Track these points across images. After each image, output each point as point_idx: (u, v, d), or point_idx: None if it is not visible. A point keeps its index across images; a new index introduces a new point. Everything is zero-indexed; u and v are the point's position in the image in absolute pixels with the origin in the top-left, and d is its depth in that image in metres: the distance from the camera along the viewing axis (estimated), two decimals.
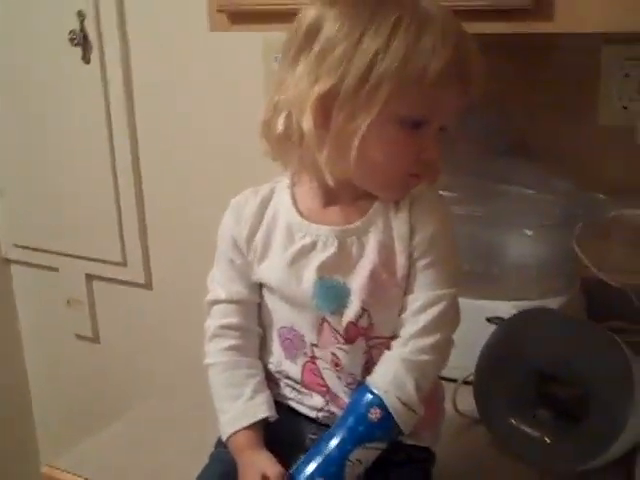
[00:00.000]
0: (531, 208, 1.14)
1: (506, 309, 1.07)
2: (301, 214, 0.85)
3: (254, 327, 0.90)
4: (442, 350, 0.83)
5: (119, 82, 1.64)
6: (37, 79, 1.75)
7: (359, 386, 0.82)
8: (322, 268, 0.82)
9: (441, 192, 1.08)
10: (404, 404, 0.80)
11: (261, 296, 0.89)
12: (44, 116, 1.77)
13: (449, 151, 1.28)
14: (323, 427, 0.84)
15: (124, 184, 1.71)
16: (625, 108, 1.18)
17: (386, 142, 0.79)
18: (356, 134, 0.78)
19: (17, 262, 1.99)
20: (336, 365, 0.84)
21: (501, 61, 1.24)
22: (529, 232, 1.14)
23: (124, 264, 1.78)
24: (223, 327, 0.89)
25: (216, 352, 0.89)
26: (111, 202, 1.73)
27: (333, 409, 0.86)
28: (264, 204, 0.88)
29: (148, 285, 1.77)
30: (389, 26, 0.76)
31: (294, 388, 0.88)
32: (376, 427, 0.78)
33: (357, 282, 0.82)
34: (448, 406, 1.04)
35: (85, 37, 1.64)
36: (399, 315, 0.83)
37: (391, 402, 0.79)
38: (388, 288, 0.82)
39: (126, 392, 1.84)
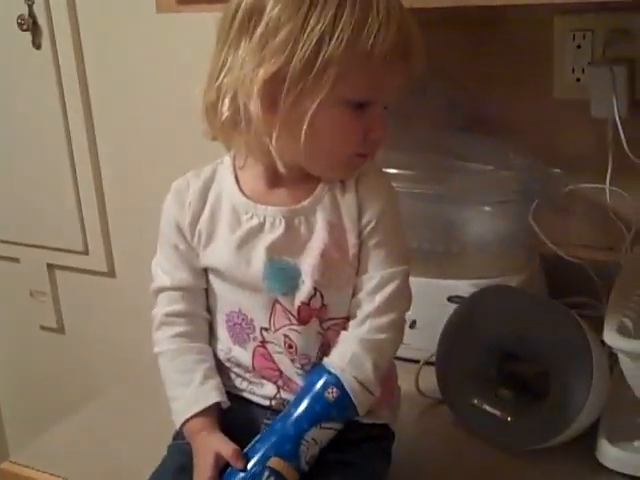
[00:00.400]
0: (489, 184, 1.13)
1: (466, 288, 1.07)
2: (246, 195, 0.85)
3: (201, 313, 0.89)
4: (398, 328, 0.84)
5: (72, 67, 1.61)
6: None
7: (315, 367, 0.81)
8: (271, 249, 0.82)
9: (398, 170, 1.08)
10: (361, 384, 0.79)
11: (207, 282, 0.88)
12: None
13: (405, 128, 1.28)
14: (277, 413, 0.83)
15: (82, 171, 1.69)
16: (578, 80, 1.17)
17: (334, 124, 0.79)
18: (304, 118, 0.77)
19: None
20: (289, 347, 0.83)
21: (455, 34, 1.23)
22: (487, 209, 1.14)
23: (86, 253, 1.76)
24: (169, 315, 0.88)
25: (164, 340, 0.88)
26: (70, 190, 1.71)
27: (285, 396, 0.85)
28: (206, 187, 0.87)
29: (111, 273, 1.75)
30: (334, 6, 0.75)
31: (245, 378, 0.87)
32: (332, 406, 0.78)
33: (308, 262, 0.81)
34: (411, 387, 1.04)
35: (34, 22, 1.61)
36: (353, 296, 0.83)
37: (348, 381, 0.79)
38: (340, 268, 0.83)
39: (92, 382, 1.81)
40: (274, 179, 0.84)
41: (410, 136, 1.21)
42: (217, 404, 0.84)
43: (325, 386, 0.78)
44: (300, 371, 0.84)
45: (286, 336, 0.83)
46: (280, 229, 0.83)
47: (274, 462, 0.77)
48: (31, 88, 1.67)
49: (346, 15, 0.75)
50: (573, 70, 1.16)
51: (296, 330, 0.83)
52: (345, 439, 0.83)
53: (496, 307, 0.98)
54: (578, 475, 0.90)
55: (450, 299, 1.08)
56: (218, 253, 0.85)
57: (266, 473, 0.76)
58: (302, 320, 0.82)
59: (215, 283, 0.87)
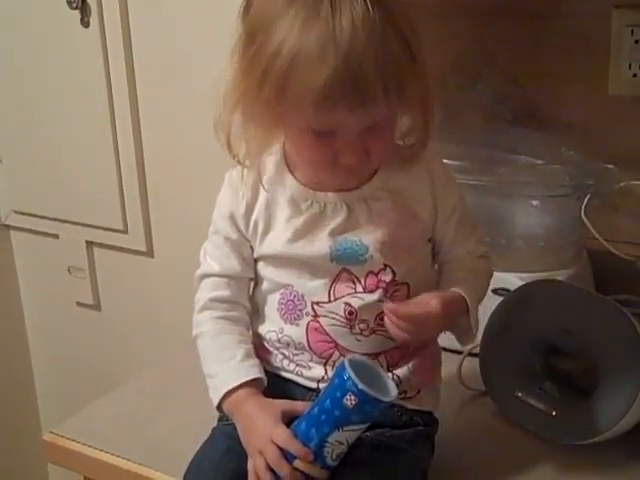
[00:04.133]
0: (539, 178, 1.13)
1: (513, 281, 1.06)
2: (302, 182, 0.85)
3: (244, 302, 0.90)
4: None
5: (119, 46, 1.61)
6: (35, 44, 1.72)
7: (338, 366, 0.79)
8: (334, 231, 0.83)
9: (447, 161, 1.08)
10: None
11: (256, 271, 0.89)
12: (43, 80, 1.74)
13: (455, 120, 1.27)
14: None
15: (125, 151, 1.69)
16: (635, 76, 1.15)
17: (300, 147, 0.81)
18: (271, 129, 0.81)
19: (17, 228, 1.97)
20: (349, 314, 0.84)
21: (509, 27, 1.22)
22: (537, 203, 1.13)
23: (125, 231, 1.76)
24: (213, 300, 0.89)
25: (206, 321, 0.89)
26: (112, 169, 1.71)
27: None
28: (259, 176, 0.87)
29: (149, 253, 1.76)
30: (282, 33, 0.73)
31: (292, 360, 0.88)
32: (351, 413, 0.76)
33: (373, 238, 0.83)
34: (453, 378, 1.04)
35: (84, 1, 1.61)
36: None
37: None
38: (406, 243, 0.85)
39: (127, 360, 1.83)
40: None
41: (460, 128, 1.21)
42: (257, 382, 0.85)
43: (344, 392, 0.76)
44: (360, 337, 0.84)
45: (347, 304, 0.84)
46: (342, 214, 0.84)
47: (298, 464, 0.78)
48: (78, 65, 1.67)
49: (288, 45, 0.72)
50: (630, 66, 1.15)
51: (359, 297, 0.84)
52: (390, 424, 0.84)
53: (543, 301, 0.98)
54: (624, 470, 0.90)
55: (496, 291, 1.08)
56: (277, 241, 0.85)
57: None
58: (368, 289, 0.84)
59: (268, 269, 0.88)
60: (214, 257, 0.90)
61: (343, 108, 0.73)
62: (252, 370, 0.85)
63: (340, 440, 0.77)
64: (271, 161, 0.87)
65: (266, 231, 0.86)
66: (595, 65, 1.18)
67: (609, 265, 1.14)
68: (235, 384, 0.84)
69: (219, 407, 0.86)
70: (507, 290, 1.05)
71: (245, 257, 0.89)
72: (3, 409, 2.02)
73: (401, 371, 0.86)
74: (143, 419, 1.06)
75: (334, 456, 0.78)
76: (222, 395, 0.85)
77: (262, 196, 0.86)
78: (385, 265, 0.84)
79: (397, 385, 0.81)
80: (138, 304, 1.82)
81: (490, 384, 1.01)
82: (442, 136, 1.16)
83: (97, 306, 1.91)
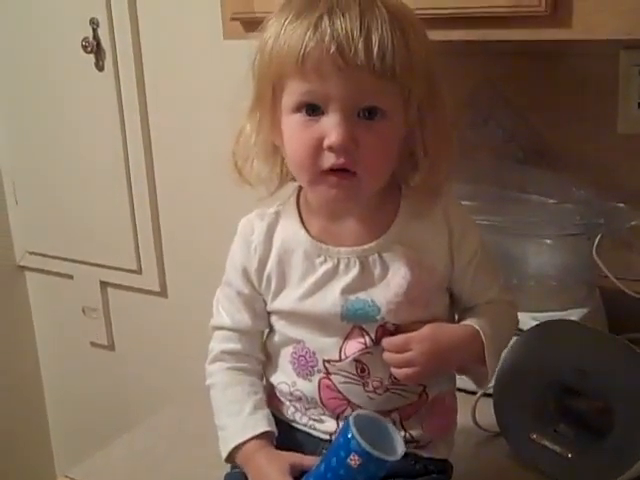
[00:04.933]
0: (551, 217, 1.13)
1: (526, 320, 1.06)
2: (314, 237, 0.84)
3: (257, 354, 0.90)
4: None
5: (132, 89, 1.64)
6: (51, 87, 1.75)
7: (344, 424, 0.78)
8: (346, 290, 0.82)
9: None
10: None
11: (270, 324, 0.89)
12: (58, 123, 1.77)
13: (466, 158, 1.28)
14: None
15: (139, 191, 1.71)
16: None
17: (288, 136, 0.79)
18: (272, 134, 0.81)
19: (32, 269, 1.99)
20: (362, 371, 0.83)
21: (520, 65, 1.23)
22: (549, 242, 1.13)
23: (139, 272, 1.77)
24: (225, 352, 0.89)
25: (217, 372, 0.89)
26: (126, 209, 1.73)
27: None
28: (271, 230, 0.86)
29: (163, 293, 1.77)
30: (282, 18, 0.76)
31: (304, 413, 0.87)
32: (357, 472, 0.75)
33: (385, 298, 0.81)
34: (468, 419, 1.04)
35: (98, 44, 1.64)
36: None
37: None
38: (421, 300, 0.82)
39: (141, 401, 1.83)
40: (341, 216, 0.83)
41: (471, 167, 1.21)
42: (266, 435, 0.84)
43: (348, 452, 0.75)
44: (373, 395, 0.83)
45: (358, 361, 0.83)
46: (355, 270, 0.82)
47: None
48: (93, 108, 1.70)
49: (283, 24, 0.75)
50: (639, 105, 1.16)
51: (370, 352, 0.82)
52: (404, 473, 0.83)
53: (557, 341, 0.98)
54: None
55: None
56: (290, 298, 0.84)
57: None
58: (378, 341, 0.82)
59: (281, 323, 0.87)
60: (226, 309, 0.89)
61: (324, 65, 0.72)
62: (260, 423, 0.85)
63: None
64: (284, 211, 0.86)
65: (279, 288, 0.85)
66: (604, 104, 1.19)
67: (622, 304, 1.13)
68: (242, 439, 0.84)
69: (228, 459, 0.86)
70: (520, 330, 1.05)
71: (257, 311, 0.88)
72: (17, 450, 2.02)
73: (414, 428, 0.85)
74: (157, 460, 1.06)
75: None
76: (230, 450, 0.85)
77: (274, 251, 0.85)
78: (394, 325, 0.82)
79: (406, 442, 0.81)
80: (152, 344, 1.83)
81: (504, 426, 1.00)
82: (453, 175, 1.18)
83: (111, 346, 1.91)
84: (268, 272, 0.86)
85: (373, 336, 0.82)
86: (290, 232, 0.85)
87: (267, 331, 0.90)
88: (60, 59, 1.71)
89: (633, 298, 1.11)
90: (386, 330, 0.82)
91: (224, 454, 0.86)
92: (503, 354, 0.99)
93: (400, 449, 0.77)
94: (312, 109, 0.76)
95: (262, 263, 0.86)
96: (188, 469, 1.02)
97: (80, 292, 1.90)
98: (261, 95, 0.80)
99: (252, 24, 1.09)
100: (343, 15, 0.72)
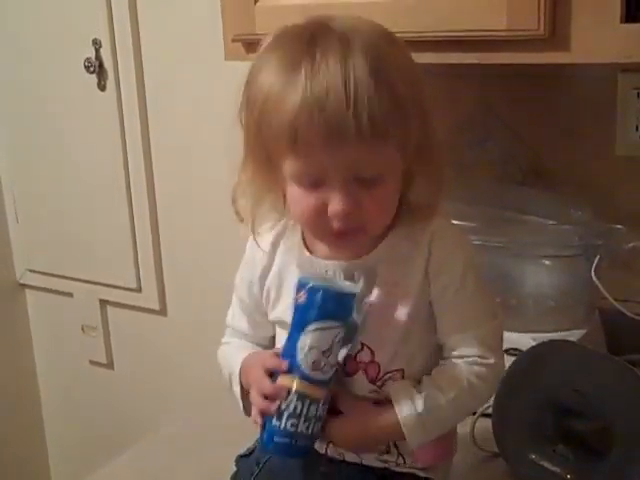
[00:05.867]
0: (549, 238, 1.13)
1: (524, 341, 1.06)
2: (311, 251, 0.85)
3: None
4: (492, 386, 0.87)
5: (134, 109, 1.65)
6: (53, 107, 1.76)
7: None
8: None
9: (457, 222, 1.09)
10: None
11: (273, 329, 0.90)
12: (60, 142, 1.78)
13: (464, 179, 1.29)
14: (332, 460, 0.85)
15: (139, 210, 1.72)
16: None
17: (293, 201, 0.79)
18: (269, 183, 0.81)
19: (32, 287, 1.99)
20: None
21: (518, 88, 1.24)
22: (547, 262, 1.14)
23: (139, 290, 1.77)
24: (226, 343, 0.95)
25: (224, 346, 0.94)
26: (126, 228, 1.74)
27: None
28: (276, 242, 0.87)
29: (163, 311, 1.77)
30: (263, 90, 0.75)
31: None
32: (306, 309, 0.77)
33: (359, 318, 0.80)
34: (466, 439, 1.03)
35: (101, 65, 1.65)
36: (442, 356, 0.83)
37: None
38: (398, 326, 0.81)
39: (140, 419, 1.83)
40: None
41: (469, 187, 1.22)
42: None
43: (296, 292, 0.78)
44: None
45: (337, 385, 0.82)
46: None
47: (279, 379, 0.79)
48: (94, 128, 1.71)
49: (262, 91, 0.74)
50: (637, 128, 1.16)
51: (343, 381, 0.83)
52: None
53: (555, 361, 0.98)
54: None
55: (507, 351, 1.07)
56: (284, 309, 0.85)
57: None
58: (348, 372, 0.82)
59: (280, 332, 0.88)
60: (233, 311, 0.94)
61: (317, 145, 0.72)
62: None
63: (308, 344, 0.77)
64: (292, 225, 0.87)
65: (277, 299, 0.87)
66: (603, 127, 1.20)
67: (620, 325, 1.14)
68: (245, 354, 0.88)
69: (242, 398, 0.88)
70: (519, 350, 1.05)
71: (257, 321, 0.91)
72: (16, 468, 2.01)
73: (409, 455, 0.85)
74: (157, 478, 1.06)
75: (309, 363, 0.77)
76: (239, 379, 0.88)
77: (276, 263, 0.87)
78: (362, 345, 0.81)
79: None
80: (151, 362, 1.83)
81: (503, 446, 1.00)
82: (450, 195, 1.18)
83: (110, 365, 1.91)
84: (269, 284, 0.87)
85: (343, 367, 0.82)
86: (290, 244, 0.86)
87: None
88: (62, 79, 1.72)
89: (632, 319, 1.11)
90: (354, 362, 0.82)
91: (236, 389, 0.88)
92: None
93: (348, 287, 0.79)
94: (312, 182, 0.75)
95: (264, 273, 0.88)
96: None
97: (80, 310, 1.90)
98: (254, 154, 0.79)
99: (253, 45, 1.10)
100: (328, 83, 0.70)
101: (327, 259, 0.83)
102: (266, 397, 0.79)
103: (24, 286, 2.00)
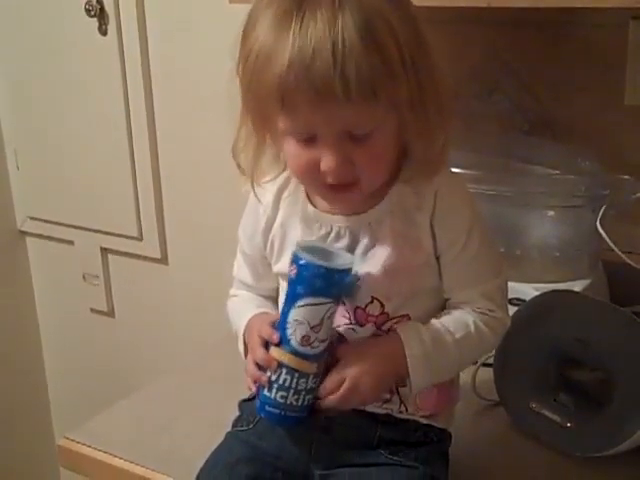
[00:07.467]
0: (555, 188, 1.13)
1: (528, 291, 1.06)
2: (315, 205, 0.84)
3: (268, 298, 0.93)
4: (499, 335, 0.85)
5: (136, 54, 1.62)
6: (53, 51, 1.73)
7: None
8: None
9: (462, 170, 1.08)
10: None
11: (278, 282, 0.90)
12: (60, 88, 1.76)
13: (471, 128, 1.27)
14: (331, 420, 0.84)
15: (141, 158, 1.70)
16: None
17: (288, 156, 0.79)
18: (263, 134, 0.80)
19: (32, 235, 1.98)
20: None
21: (526, 36, 1.22)
22: (552, 213, 1.13)
23: (140, 238, 1.77)
24: (233, 296, 0.95)
25: (232, 299, 0.94)
26: (127, 176, 1.72)
27: None
28: (279, 194, 0.86)
29: (164, 260, 1.77)
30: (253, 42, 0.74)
31: None
32: (296, 284, 0.77)
33: (367, 271, 0.80)
34: (468, 388, 1.04)
35: (102, 8, 1.62)
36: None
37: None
38: (406, 279, 0.81)
39: (140, 367, 1.84)
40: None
41: (475, 137, 1.21)
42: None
43: (290, 264, 0.78)
44: None
45: (341, 335, 0.82)
46: (345, 240, 0.82)
47: (271, 350, 0.80)
48: (95, 73, 1.68)
49: (254, 48, 0.73)
50: None
51: (353, 329, 0.83)
52: (404, 441, 0.83)
53: (558, 311, 0.98)
54: None
55: (511, 301, 1.07)
56: (287, 263, 0.83)
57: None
58: (358, 322, 0.82)
59: (283, 285, 0.87)
60: (237, 262, 0.94)
61: (304, 105, 0.71)
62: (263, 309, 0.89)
63: (297, 318, 0.77)
64: (290, 181, 0.86)
65: (280, 251, 0.86)
66: (612, 76, 1.18)
67: (625, 276, 1.13)
68: (246, 322, 0.88)
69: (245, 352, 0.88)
70: (522, 300, 1.05)
71: (260, 272, 0.91)
72: (17, 414, 2.04)
73: (410, 403, 0.84)
74: (157, 425, 1.06)
75: (298, 338, 0.78)
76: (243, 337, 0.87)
77: (280, 214, 0.86)
78: (372, 298, 0.81)
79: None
80: (152, 311, 1.83)
81: (504, 395, 1.01)
82: (458, 145, 1.17)
83: (111, 313, 1.91)
84: (273, 234, 0.87)
85: (353, 316, 0.82)
86: (294, 197, 0.86)
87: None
88: (63, 23, 1.69)
89: (636, 270, 1.11)
90: (363, 313, 0.82)
91: (241, 347, 0.88)
92: None
93: (343, 260, 0.78)
94: (304, 138, 0.75)
95: (268, 226, 0.87)
96: (187, 434, 1.03)
97: (81, 258, 1.89)
98: (250, 108, 0.78)
99: None
100: (315, 44, 0.69)
101: (331, 213, 0.83)
102: (259, 366, 0.80)
103: (25, 234, 2.00)
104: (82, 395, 2.01)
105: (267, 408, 0.80)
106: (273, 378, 0.79)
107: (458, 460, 0.89)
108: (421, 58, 0.75)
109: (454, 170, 1.02)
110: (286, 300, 0.79)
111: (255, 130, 0.80)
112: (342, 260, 0.79)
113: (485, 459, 0.95)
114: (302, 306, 0.77)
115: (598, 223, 1.08)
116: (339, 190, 0.77)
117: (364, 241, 0.81)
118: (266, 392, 0.80)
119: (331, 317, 0.78)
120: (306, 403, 0.80)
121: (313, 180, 0.78)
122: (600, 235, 1.09)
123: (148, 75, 1.64)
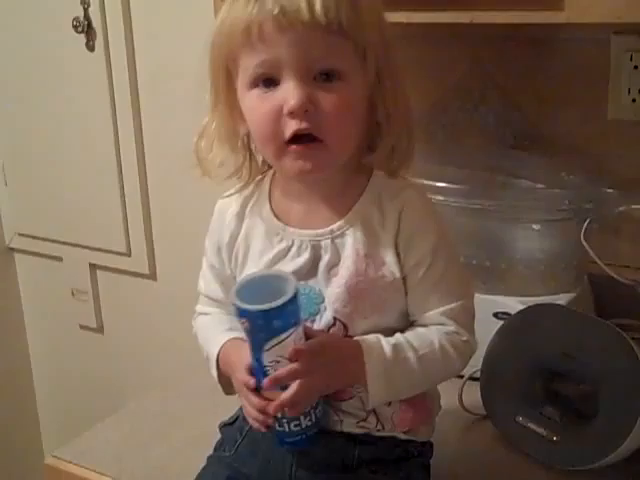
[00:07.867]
0: (539, 202, 1.13)
1: (513, 304, 1.06)
2: (278, 216, 0.83)
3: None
4: (466, 357, 0.83)
5: (123, 69, 1.63)
6: (41, 67, 1.74)
7: None
8: (296, 275, 0.78)
9: (448, 184, 1.08)
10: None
11: None
12: (48, 104, 1.76)
13: (456, 142, 1.28)
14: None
15: (129, 174, 1.70)
16: (634, 101, 1.16)
17: (248, 111, 0.78)
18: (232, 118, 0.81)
19: (21, 251, 1.98)
20: None
21: (511, 51, 1.23)
22: (537, 227, 1.13)
23: (128, 254, 1.77)
24: (203, 314, 0.93)
25: (199, 321, 0.93)
26: (116, 192, 1.72)
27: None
28: (244, 206, 0.86)
29: (152, 276, 1.76)
30: None
31: None
32: (254, 333, 0.75)
33: (331, 290, 0.79)
34: (454, 402, 1.04)
35: (89, 24, 1.63)
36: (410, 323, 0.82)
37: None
38: (369, 298, 0.79)
39: (129, 383, 1.83)
40: (304, 196, 0.82)
41: (461, 151, 1.22)
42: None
43: (238, 318, 0.75)
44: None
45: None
46: (306, 255, 0.80)
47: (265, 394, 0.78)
48: (83, 88, 1.68)
49: (230, 4, 0.75)
50: (629, 91, 1.15)
51: None
52: (384, 459, 0.83)
53: (544, 325, 0.98)
54: None
55: (496, 315, 1.08)
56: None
57: None
58: None
59: None
60: (204, 277, 0.91)
61: (271, 30, 0.72)
62: (234, 335, 0.85)
63: (272, 360, 0.76)
64: (261, 187, 0.86)
65: (244, 263, 0.85)
66: (595, 90, 1.19)
67: (609, 289, 1.14)
68: (225, 340, 0.86)
69: (219, 380, 0.87)
70: (508, 314, 1.05)
71: (226, 285, 0.88)
72: (5, 431, 2.02)
73: (386, 421, 0.83)
74: (145, 441, 1.06)
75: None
76: (215, 365, 0.86)
77: (244, 226, 0.85)
78: (335, 320, 0.79)
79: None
80: (141, 327, 1.83)
81: (491, 408, 1.01)
82: (443, 159, 1.18)
83: (100, 329, 1.91)
84: (237, 247, 0.86)
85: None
86: (258, 208, 0.85)
87: None
88: (50, 39, 1.69)
89: (621, 283, 1.11)
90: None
91: (214, 372, 0.87)
92: (489, 337, 1.00)
93: (286, 293, 0.74)
94: (268, 82, 0.75)
95: (233, 237, 0.86)
96: (174, 450, 1.03)
97: (69, 274, 1.89)
98: (216, 79, 0.80)
99: None
100: None
101: (297, 227, 0.82)
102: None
103: (13, 250, 1.99)
104: (71, 411, 2.00)
105: (287, 440, 0.80)
106: (279, 415, 0.78)
107: (445, 474, 0.90)
108: (386, 27, 0.78)
109: (438, 184, 1.03)
110: (252, 347, 0.76)
111: (222, 114, 0.81)
112: (284, 283, 0.76)
113: (472, 473, 0.95)
114: (271, 348, 0.75)
115: (582, 236, 1.09)
116: (305, 150, 0.75)
117: (326, 257, 0.80)
118: (279, 428, 0.79)
119: (301, 338, 0.76)
120: (319, 415, 0.79)
121: (276, 136, 0.75)
122: (584, 248, 1.09)
123: (136, 91, 1.64)
